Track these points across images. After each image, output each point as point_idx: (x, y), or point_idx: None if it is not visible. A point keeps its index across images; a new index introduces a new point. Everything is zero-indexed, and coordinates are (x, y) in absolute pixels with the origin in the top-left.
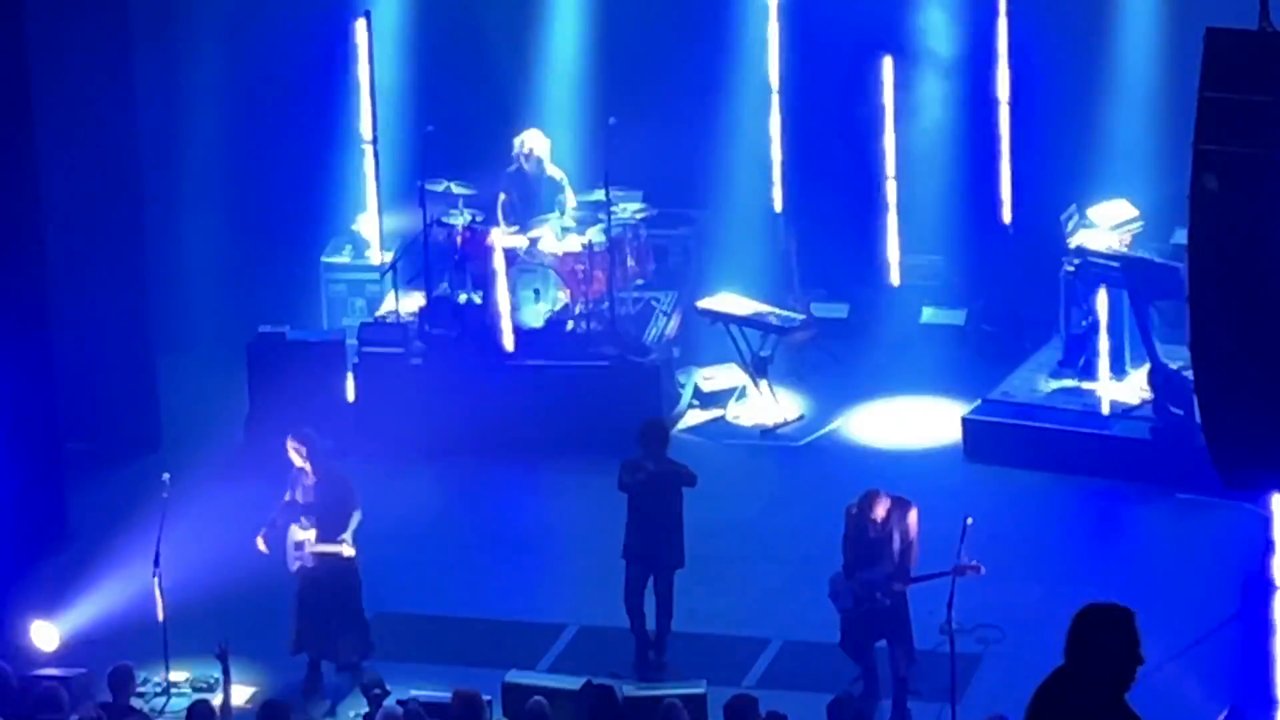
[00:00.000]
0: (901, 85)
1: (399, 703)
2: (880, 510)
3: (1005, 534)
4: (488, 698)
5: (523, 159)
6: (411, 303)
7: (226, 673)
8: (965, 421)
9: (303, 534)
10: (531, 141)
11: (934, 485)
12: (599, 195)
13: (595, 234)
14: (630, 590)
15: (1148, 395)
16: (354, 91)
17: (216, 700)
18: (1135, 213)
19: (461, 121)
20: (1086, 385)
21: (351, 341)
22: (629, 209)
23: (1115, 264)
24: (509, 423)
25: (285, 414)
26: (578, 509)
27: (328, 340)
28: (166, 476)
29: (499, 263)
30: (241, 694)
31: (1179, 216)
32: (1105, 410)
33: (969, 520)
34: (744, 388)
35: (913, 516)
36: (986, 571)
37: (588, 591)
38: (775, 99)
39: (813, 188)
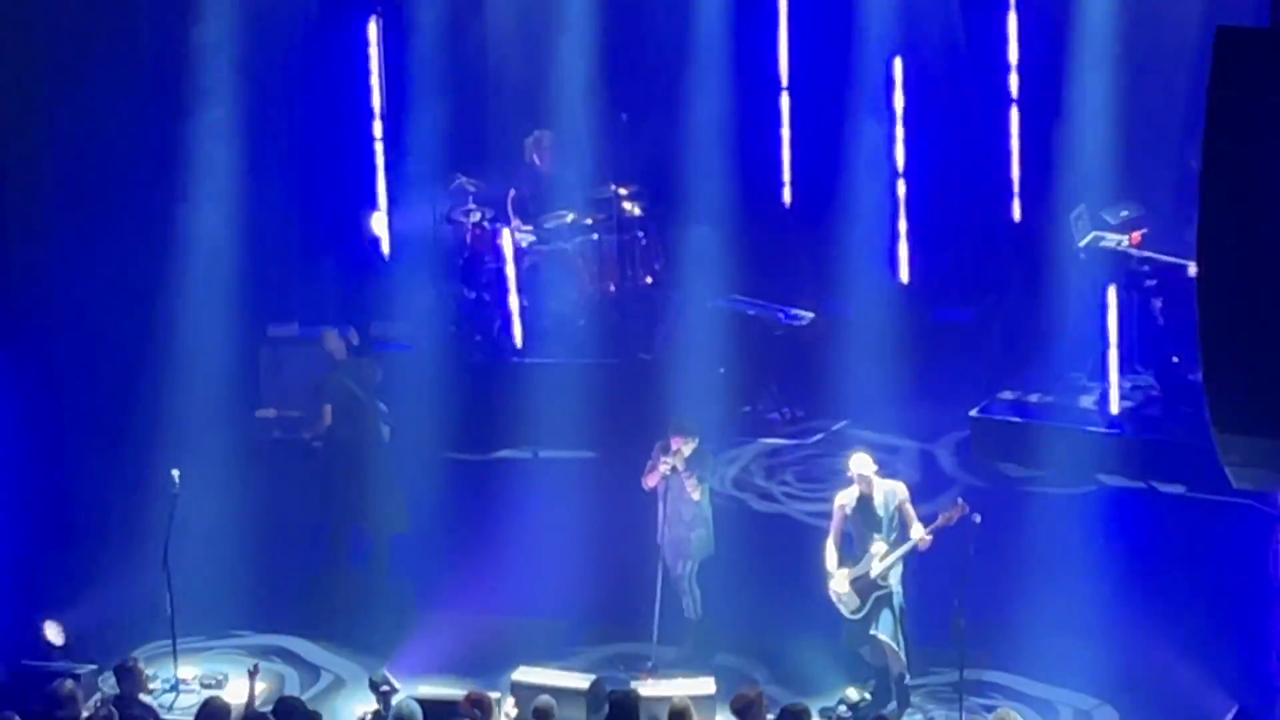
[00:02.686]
0: (912, 83)
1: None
2: (864, 466)
3: (1014, 532)
4: (496, 695)
5: (535, 158)
6: (421, 300)
7: (252, 686)
8: (974, 420)
9: None
10: (542, 141)
11: (942, 484)
12: (609, 193)
13: (605, 232)
14: (661, 580)
15: (1156, 393)
16: (366, 89)
17: (233, 700)
18: (1144, 212)
19: (473, 119)
20: (1095, 383)
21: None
22: (638, 204)
23: (1125, 263)
24: (518, 419)
25: (295, 411)
26: (587, 506)
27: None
28: (176, 473)
29: (509, 260)
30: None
31: (1188, 215)
32: (1114, 409)
33: (977, 518)
34: (754, 385)
35: (904, 496)
36: (970, 510)
37: (597, 589)
38: (785, 97)
39: (822, 185)
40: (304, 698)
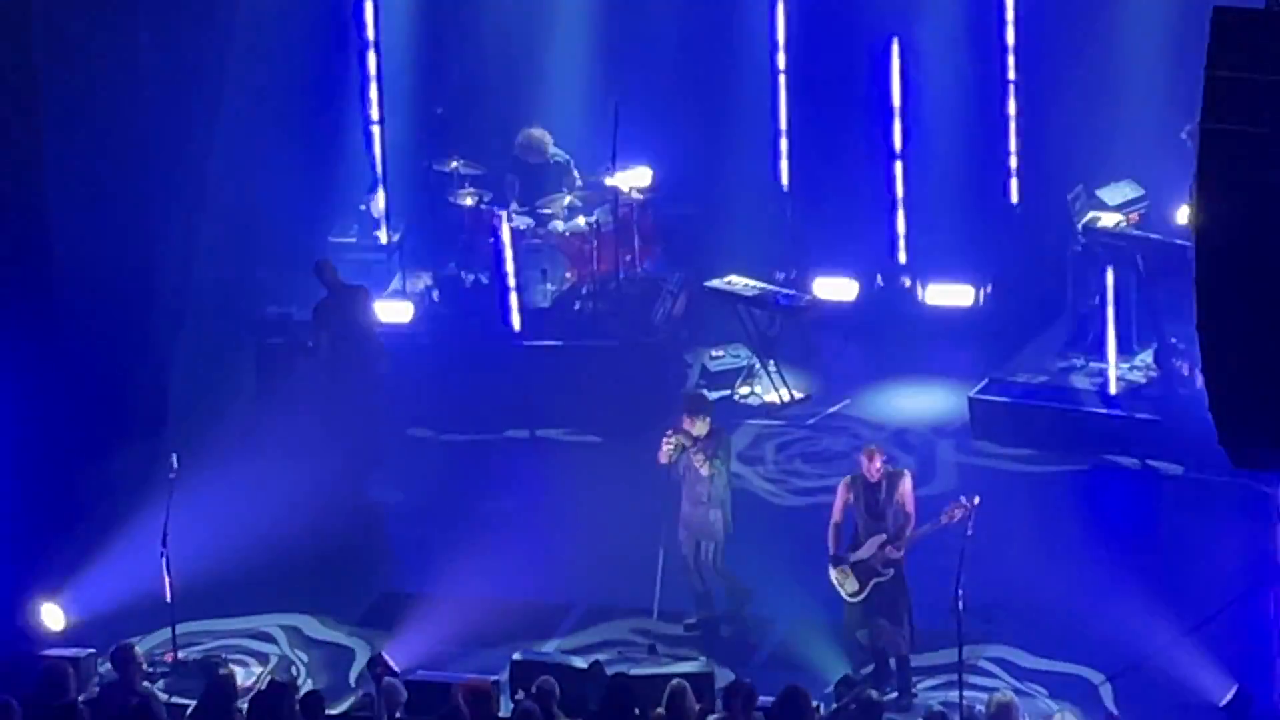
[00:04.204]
0: (909, 64)
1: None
2: (875, 465)
3: (1012, 513)
4: (495, 678)
5: (525, 154)
6: (419, 283)
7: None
8: (972, 400)
9: None
10: (531, 139)
11: (940, 464)
12: (606, 175)
13: (602, 214)
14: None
15: (1155, 374)
16: (362, 71)
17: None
18: (1142, 192)
19: (469, 101)
20: (1094, 364)
21: None
22: (636, 185)
23: (1122, 243)
24: (516, 402)
25: (292, 395)
26: (586, 488)
27: None
28: (174, 457)
29: (506, 242)
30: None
31: (1186, 195)
32: (1113, 389)
33: (976, 499)
34: (752, 367)
35: (907, 485)
36: (970, 506)
37: (596, 570)
38: (783, 78)
39: (820, 167)
40: (300, 680)
